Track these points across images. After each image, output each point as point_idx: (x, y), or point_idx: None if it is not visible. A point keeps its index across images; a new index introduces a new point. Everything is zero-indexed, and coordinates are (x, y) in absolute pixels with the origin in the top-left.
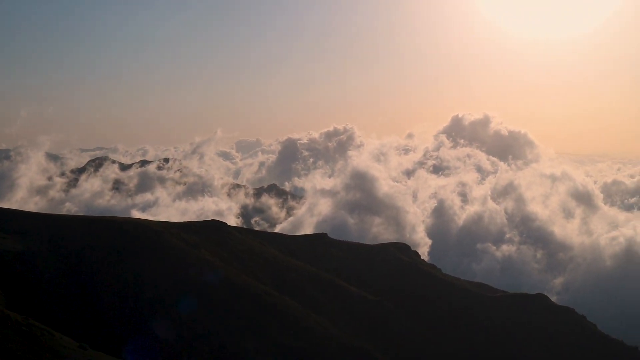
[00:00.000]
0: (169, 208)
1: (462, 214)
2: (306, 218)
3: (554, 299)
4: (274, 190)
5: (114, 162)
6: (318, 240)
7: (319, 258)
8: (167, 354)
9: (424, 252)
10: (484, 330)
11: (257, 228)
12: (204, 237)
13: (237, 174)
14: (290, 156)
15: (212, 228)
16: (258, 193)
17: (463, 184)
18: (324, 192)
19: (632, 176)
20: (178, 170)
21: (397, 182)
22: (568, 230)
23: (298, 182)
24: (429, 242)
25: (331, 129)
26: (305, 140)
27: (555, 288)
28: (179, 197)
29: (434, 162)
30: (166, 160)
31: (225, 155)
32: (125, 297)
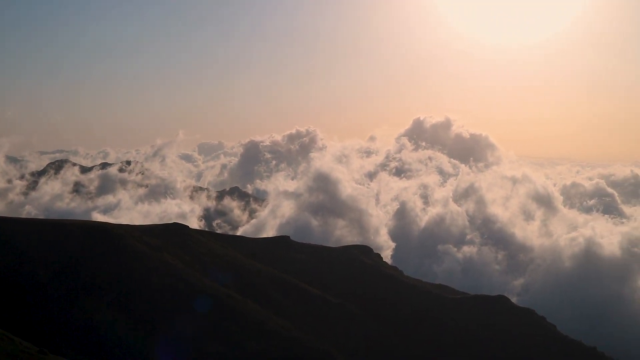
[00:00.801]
0: (131, 211)
1: (424, 216)
2: (269, 220)
3: (514, 300)
4: (236, 192)
5: (74, 164)
6: (280, 242)
7: (281, 260)
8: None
9: (387, 254)
10: (446, 333)
11: (219, 231)
12: (166, 241)
13: (199, 176)
14: (253, 158)
15: (174, 231)
16: (220, 196)
17: (425, 186)
18: (286, 194)
19: (590, 179)
20: (140, 172)
21: (359, 184)
22: (528, 232)
23: (260, 184)
24: (392, 245)
25: (294, 131)
26: (267, 143)
27: (515, 289)
28: (141, 199)
29: (396, 164)
30: (128, 162)
31: (188, 158)
32: (84, 300)
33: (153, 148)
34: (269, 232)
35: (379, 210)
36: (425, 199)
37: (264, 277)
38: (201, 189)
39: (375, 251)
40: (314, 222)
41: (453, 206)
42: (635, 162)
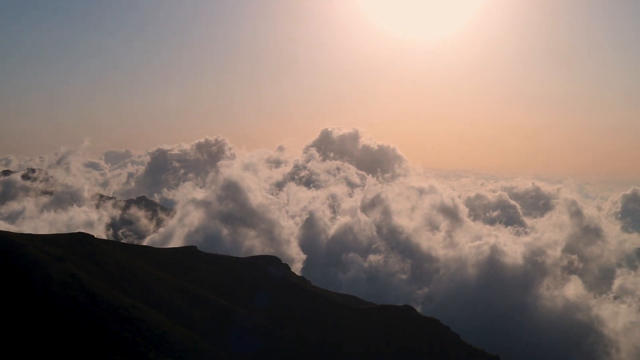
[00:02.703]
0: (35, 219)
1: (333, 226)
2: (177, 229)
3: (419, 309)
4: (143, 201)
5: None
6: (187, 253)
7: (187, 271)
8: None
9: (298, 265)
10: (352, 343)
11: (125, 240)
12: (71, 250)
13: (105, 185)
14: (161, 167)
15: (79, 241)
16: (127, 205)
17: (333, 197)
18: (195, 202)
19: (493, 191)
20: (44, 180)
21: (269, 194)
22: (434, 242)
23: (168, 193)
24: (304, 257)
25: (202, 140)
26: (176, 152)
27: (420, 298)
28: (46, 207)
29: (304, 174)
30: (32, 170)
31: (94, 166)
32: None
33: (57, 155)
34: (177, 242)
35: (289, 221)
36: (334, 209)
37: (169, 288)
38: (108, 197)
39: (285, 262)
40: (224, 231)
41: (361, 216)
42: (537, 175)
